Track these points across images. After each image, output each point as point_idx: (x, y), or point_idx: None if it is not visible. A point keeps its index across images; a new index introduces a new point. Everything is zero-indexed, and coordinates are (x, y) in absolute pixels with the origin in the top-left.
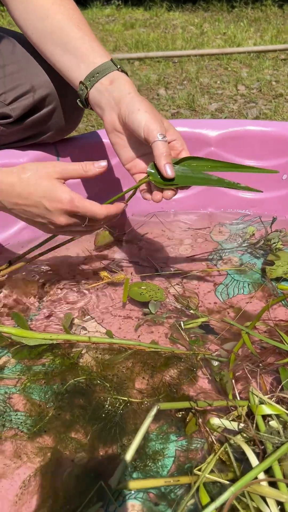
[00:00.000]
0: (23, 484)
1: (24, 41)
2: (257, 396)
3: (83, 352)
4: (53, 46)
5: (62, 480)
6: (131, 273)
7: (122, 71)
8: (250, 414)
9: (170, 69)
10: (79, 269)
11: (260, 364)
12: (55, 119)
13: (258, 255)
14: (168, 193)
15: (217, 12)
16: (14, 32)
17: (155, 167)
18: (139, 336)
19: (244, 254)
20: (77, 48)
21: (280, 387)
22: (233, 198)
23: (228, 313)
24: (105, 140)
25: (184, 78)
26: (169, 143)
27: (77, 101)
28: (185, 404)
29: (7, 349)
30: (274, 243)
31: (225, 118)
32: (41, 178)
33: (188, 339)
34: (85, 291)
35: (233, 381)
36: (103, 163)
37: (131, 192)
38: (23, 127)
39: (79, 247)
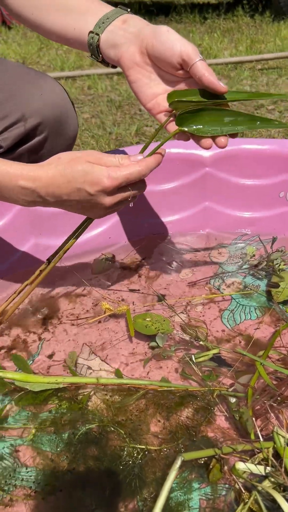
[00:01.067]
0: None
1: (13, 67)
2: (282, 436)
3: (91, 393)
4: (56, 14)
5: None
6: (133, 303)
7: (128, 12)
8: (277, 456)
9: None
10: (79, 301)
11: (279, 398)
12: (48, 147)
13: (261, 276)
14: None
15: (190, 24)
16: (2, 60)
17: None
18: (148, 372)
19: (247, 276)
20: (80, 5)
21: None
22: (231, 218)
23: (240, 342)
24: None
25: None
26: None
27: (89, 56)
28: (209, 452)
29: (9, 396)
30: (277, 264)
31: None
32: (76, 163)
33: (201, 374)
34: (86, 325)
35: (253, 418)
36: (140, 156)
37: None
38: (14, 157)
39: (76, 278)
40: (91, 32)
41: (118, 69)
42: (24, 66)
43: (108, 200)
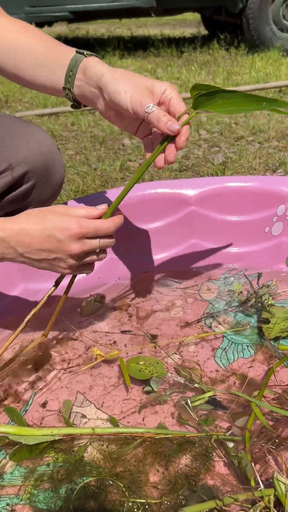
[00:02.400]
0: None
1: (0, 118)
2: (283, 483)
3: (87, 444)
4: (29, 69)
5: None
6: (125, 345)
7: (89, 55)
8: (279, 503)
9: None
10: (70, 345)
11: (277, 440)
12: (35, 194)
13: (250, 312)
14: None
15: (168, 58)
16: None
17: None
18: (143, 418)
19: (237, 313)
20: (47, 57)
21: None
22: (218, 254)
23: (234, 383)
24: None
25: None
26: (160, 99)
27: (70, 106)
28: (211, 505)
29: (4, 449)
30: (265, 299)
31: (192, 164)
32: (46, 214)
33: (197, 419)
34: (79, 372)
35: (252, 463)
36: (104, 205)
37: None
38: (2, 204)
39: (64, 322)
40: (64, 88)
41: None
42: (11, 116)
43: (76, 247)
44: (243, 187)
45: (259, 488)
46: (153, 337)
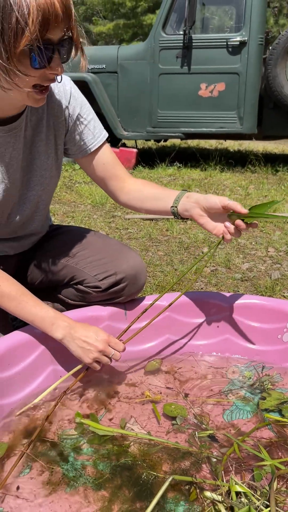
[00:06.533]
0: None
1: (114, 242)
2: (234, 480)
3: (130, 444)
4: (151, 202)
5: None
6: (167, 396)
7: (188, 191)
8: (229, 492)
9: None
10: (132, 390)
11: (242, 464)
12: (126, 290)
13: (256, 392)
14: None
15: (263, 175)
16: (105, 236)
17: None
18: (168, 438)
19: (247, 391)
20: (162, 195)
21: (250, 476)
22: (245, 348)
23: (230, 431)
24: (153, 302)
25: None
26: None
27: (173, 217)
28: (188, 478)
29: (83, 436)
30: (266, 384)
31: (253, 277)
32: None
33: (199, 443)
34: (135, 404)
35: (223, 472)
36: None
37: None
38: (106, 294)
39: (133, 374)
40: (171, 206)
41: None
42: (120, 243)
43: (100, 346)
44: (264, 304)
45: (221, 483)
46: (186, 395)
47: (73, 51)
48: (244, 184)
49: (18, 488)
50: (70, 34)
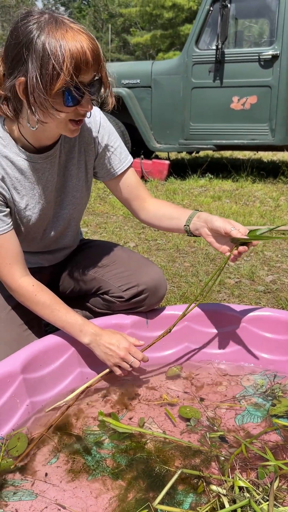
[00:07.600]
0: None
1: (136, 255)
2: (238, 476)
3: (147, 441)
4: (166, 221)
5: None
6: (183, 399)
7: (201, 211)
8: (233, 487)
9: None
10: (151, 392)
11: (248, 463)
12: (147, 301)
13: (267, 399)
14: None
15: None
16: (128, 249)
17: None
18: (181, 437)
19: (259, 398)
20: (176, 214)
21: (254, 474)
22: (259, 357)
23: (240, 433)
24: (172, 312)
25: (251, 250)
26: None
27: (186, 234)
28: (196, 473)
29: (105, 432)
30: (276, 392)
31: (276, 289)
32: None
33: (209, 443)
34: (153, 406)
35: (229, 469)
36: (142, 342)
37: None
38: (129, 303)
39: (154, 379)
40: (184, 225)
41: None
42: (142, 257)
43: (122, 353)
44: (278, 316)
45: (227, 479)
46: (201, 399)
47: (102, 89)
48: (275, 195)
49: (46, 474)
50: (100, 76)
